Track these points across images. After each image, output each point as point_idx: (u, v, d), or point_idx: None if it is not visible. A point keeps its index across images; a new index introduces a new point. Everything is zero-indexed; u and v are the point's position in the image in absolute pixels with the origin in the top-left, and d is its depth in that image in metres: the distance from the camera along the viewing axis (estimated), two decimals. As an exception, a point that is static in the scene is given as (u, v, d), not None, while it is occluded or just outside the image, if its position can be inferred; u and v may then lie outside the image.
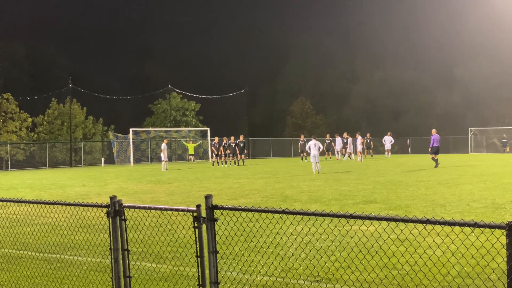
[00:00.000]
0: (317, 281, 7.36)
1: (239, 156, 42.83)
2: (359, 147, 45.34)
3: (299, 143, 49.99)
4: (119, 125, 62.24)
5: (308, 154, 31.63)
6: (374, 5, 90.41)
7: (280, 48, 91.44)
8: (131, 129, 52.67)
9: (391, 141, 51.08)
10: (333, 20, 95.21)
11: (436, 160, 31.46)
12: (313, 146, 29.29)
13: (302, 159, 47.33)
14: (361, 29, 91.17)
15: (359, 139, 45.41)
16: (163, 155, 39.96)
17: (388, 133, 51.47)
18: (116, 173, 36.64)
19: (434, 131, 32.58)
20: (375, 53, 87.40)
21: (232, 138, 43.06)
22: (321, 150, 30.06)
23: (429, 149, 32.57)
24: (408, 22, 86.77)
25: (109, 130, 61.44)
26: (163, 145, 40.87)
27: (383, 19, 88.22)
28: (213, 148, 43.82)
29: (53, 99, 60.35)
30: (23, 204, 8.58)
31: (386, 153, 50.98)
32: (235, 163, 43.08)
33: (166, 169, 38.41)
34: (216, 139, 43.57)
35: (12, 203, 8.14)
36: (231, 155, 42.91)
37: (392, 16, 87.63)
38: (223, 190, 20.61)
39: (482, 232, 5.11)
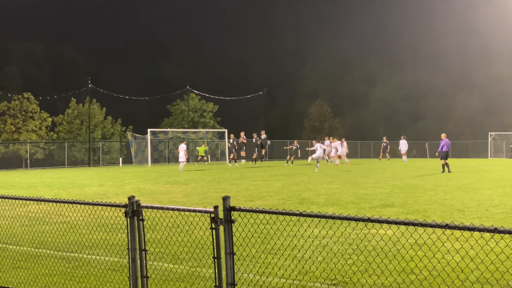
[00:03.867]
0: (334, 284, 7.34)
1: (262, 152, 43.22)
2: (340, 151, 44.94)
3: (292, 147, 49.82)
4: (137, 125, 62.56)
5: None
6: (393, 9, 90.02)
7: (298, 51, 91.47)
8: (149, 130, 52.86)
9: (406, 145, 50.77)
10: (352, 24, 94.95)
11: (443, 166, 31.13)
12: (319, 148, 34.19)
13: (287, 162, 46.65)
14: (380, 33, 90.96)
15: (338, 143, 44.90)
16: (184, 156, 39.86)
17: (402, 137, 51.13)
18: (134, 173, 36.80)
19: (443, 135, 32.24)
20: (394, 57, 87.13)
21: (254, 135, 43.40)
22: (326, 152, 36.23)
23: (436, 153, 32.31)
24: (427, 26, 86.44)
25: (128, 130, 61.76)
26: (184, 146, 40.71)
27: (402, 23, 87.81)
28: (229, 144, 44.03)
29: (72, 99, 60.85)
30: (42, 202, 8.68)
31: (404, 157, 50.62)
32: (256, 161, 43.27)
33: (181, 170, 38.47)
34: (232, 136, 44.07)
35: (31, 202, 8.24)
36: (255, 153, 43.35)
37: (411, 20, 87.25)
38: (240, 192, 20.62)
39: (502, 238, 5.06)
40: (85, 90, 59.46)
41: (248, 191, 20.89)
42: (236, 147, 44.12)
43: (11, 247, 10.49)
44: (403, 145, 50.45)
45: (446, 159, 31.27)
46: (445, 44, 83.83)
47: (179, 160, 40.02)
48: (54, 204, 8.71)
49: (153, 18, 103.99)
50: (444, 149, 31.41)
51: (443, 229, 4.74)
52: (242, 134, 44.55)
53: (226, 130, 57.24)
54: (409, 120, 79.60)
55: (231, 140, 43.68)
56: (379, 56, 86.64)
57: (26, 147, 53.35)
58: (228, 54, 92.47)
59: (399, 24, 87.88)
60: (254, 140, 43.65)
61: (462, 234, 5.09)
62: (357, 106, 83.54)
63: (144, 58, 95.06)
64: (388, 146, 51.79)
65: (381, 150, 52.11)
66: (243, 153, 43.97)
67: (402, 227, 7.06)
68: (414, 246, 7.55)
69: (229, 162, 42.32)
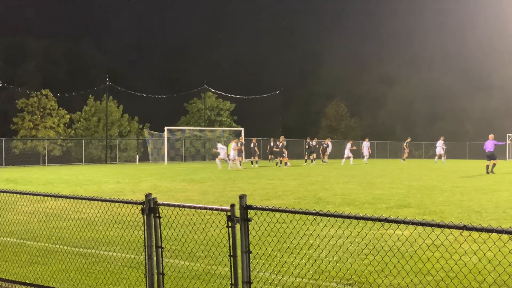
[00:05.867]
0: (350, 284, 7.31)
1: (284, 158, 42.99)
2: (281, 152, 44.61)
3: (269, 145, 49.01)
4: (154, 123, 62.81)
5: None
6: (412, 8, 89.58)
7: (315, 50, 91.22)
8: (166, 128, 53.10)
9: (442, 146, 49.48)
10: (370, 23, 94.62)
11: (487, 167, 30.96)
12: (220, 148, 38.26)
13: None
14: (398, 33, 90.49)
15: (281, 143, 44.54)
16: (235, 154, 39.21)
17: (441, 138, 49.71)
18: (150, 171, 36.95)
19: (490, 136, 32.12)
20: (412, 57, 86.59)
21: (282, 137, 43.39)
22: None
23: None
24: (447, 27, 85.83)
25: (144, 128, 62.04)
26: (234, 145, 39.82)
27: (421, 23, 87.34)
28: (256, 149, 43.94)
29: (90, 96, 61.20)
30: (59, 199, 8.73)
31: (437, 157, 49.34)
32: (278, 164, 43.02)
33: (231, 168, 38.06)
34: (254, 139, 44.22)
35: (48, 198, 8.28)
36: (279, 156, 43.19)
37: (430, 20, 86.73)
38: (256, 191, 20.62)
39: (521, 240, 5.02)
40: (102, 88, 59.83)
41: (264, 190, 20.89)
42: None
43: (28, 242, 10.57)
44: (440, 146, 49.27)
45: (490, 160, 31.05)
46: (464, 44, 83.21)
47: (230, 158, 39.53)
48: (72, 200, 8.77)
49: (171, 17, 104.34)
50: (487, 149, 31.33)
51: (461, 230, 4.70)
52: (254, 139, 44.73)
53: (242, 129, 57.33)
54: (427, 121, 79.17)
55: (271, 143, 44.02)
56: (397, 56, 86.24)
57: (44, 143, 53.81)
58: (245, 53, 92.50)
59: (418, 24, 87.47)
60: (275, 143, 43.66)
61: (480, 236, 5.05)
62: (374, 106, 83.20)
63: (162, 56, 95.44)
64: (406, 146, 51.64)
65: (407, 151, 51.80)
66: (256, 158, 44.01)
67: (419, 228, 7.03)
68: (431, 247, 7.51)
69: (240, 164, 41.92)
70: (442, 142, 49.12)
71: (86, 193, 19.86)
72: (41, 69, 69.70)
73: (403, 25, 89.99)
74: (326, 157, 49.71)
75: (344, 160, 47.34)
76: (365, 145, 49.91)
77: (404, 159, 52.09)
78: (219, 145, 40.62)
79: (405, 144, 51.79)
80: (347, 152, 47.17)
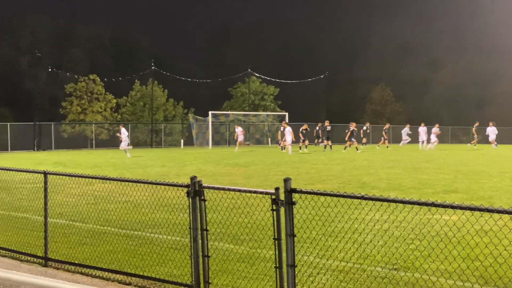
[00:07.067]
0: (395, 269, 7.26)
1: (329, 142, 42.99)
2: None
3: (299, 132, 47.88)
4: (199, 108, 63.10)
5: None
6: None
7: (361, 34, 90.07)
8: (210, 112, 53.35)
9: (494, 132, 47.99)
10: (416, 6, 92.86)
11: None
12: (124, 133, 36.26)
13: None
14: (444, 15, 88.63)
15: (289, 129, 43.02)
16: (291, 139, 38.64)
17: (491, 123, 48.23)
18: (195, 155, 37.25)
19: None
20: (459, 41, 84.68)
21: (327, 122, 43.34)
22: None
23: None
24: (494, 9, 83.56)
25: (189, 112, 62.46)
26: (290, 129, 39.34)
27: (468, 6, 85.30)
28: (300, 134, 43.47)
29: (136, 81, 61.88)
30: (107, 181, 8.88)
31: (493, 144, 47.94)
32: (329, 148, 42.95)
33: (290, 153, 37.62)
34: (305, 125, 43.97)
35: (96, 180, 8.46)
36: (325, 139, 43.15)
37: (477, 3, 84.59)
38: (300, 175, 20.59)
39: None
40: (148, 73, 60.41)
41: (308, 175, 20.85)
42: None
43: (77, 224, 10.81)
44: (492, 132, 47.87)
45: None
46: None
47: (286, 144, 39.24)
48: (119, 183, 8.91)
49: (216, 1, 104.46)
50: None
51: (511, 215, 4.61)
52: (305, 126, 44.59)
53: (286, 114, 57.17)
54: (474, 106, 77.53)
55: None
56: (444, 40, 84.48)
57: (91, 127, 54.77)
58: (289, 37, 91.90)
59: (465, 7, 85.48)
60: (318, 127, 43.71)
61: (530, 221, 4.95)
62: (420, 91, 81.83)
63: (206, 41, 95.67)
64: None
65: (476, 136, 50.58)
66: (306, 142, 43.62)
67: (467, 213, 6.90)
68: (480, 233, 7.37)
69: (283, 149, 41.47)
70: (493, 128, 47.55)
71: (132, 176, 20.14)
72: (89, 54, 70.77)
73: (449, 7, 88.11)
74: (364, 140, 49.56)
75: (425, 144, 46.92)
76: (422, 130, 48.56)
77: (474, 144, 50.70)
78: (123, 130, 37.13)
79: (474, 128, 50.57)
80: (432, 137, 46.82)
